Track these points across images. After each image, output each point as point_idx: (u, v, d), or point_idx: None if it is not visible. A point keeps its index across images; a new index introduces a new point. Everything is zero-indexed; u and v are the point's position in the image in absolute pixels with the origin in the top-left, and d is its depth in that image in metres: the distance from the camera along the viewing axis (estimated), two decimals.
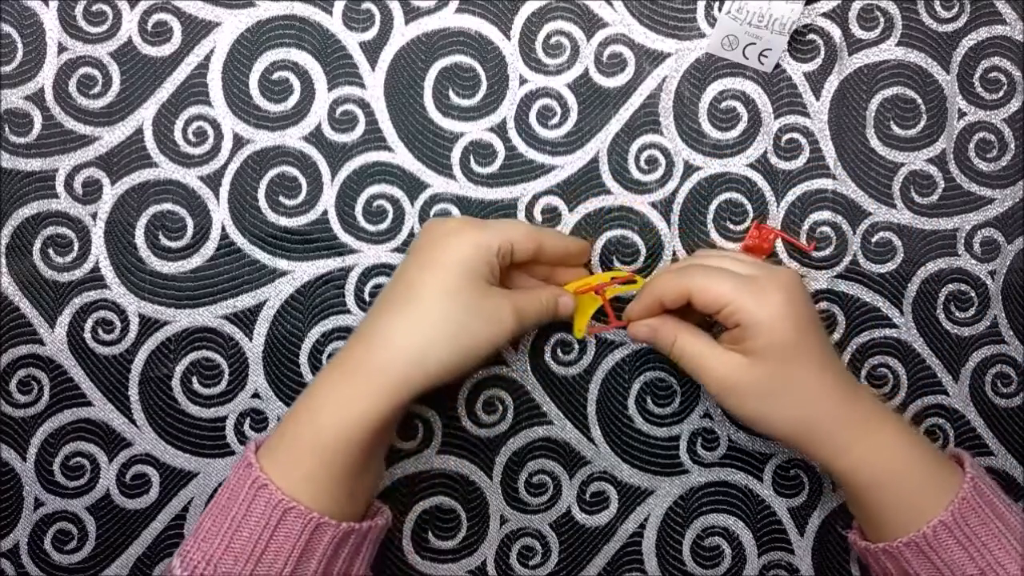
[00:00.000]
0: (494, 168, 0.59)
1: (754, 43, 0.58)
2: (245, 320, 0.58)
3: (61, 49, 0.58)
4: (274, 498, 0.48)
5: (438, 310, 0.50)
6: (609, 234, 0.59)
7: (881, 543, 0.51)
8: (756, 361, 0.50)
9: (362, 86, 0.58)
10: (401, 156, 0.59)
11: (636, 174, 0.59)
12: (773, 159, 0.59)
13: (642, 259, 0.59)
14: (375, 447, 0.51)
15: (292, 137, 0.58)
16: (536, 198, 0.59)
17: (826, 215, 0.59)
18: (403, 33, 0.59)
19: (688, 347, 0.53)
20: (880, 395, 0.59)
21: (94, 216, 0.58)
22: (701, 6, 0.59)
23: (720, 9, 0.58)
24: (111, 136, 0.58)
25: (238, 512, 0.48)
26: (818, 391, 0.51)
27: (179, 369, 0.58)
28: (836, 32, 0.59)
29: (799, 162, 0.59)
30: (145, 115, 0.58)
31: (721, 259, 0.54)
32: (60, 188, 0.58)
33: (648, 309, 0.54)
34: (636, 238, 0.59)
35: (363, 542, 0.51)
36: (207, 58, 0.58)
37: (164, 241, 0.58)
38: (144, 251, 0.58)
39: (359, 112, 0.58)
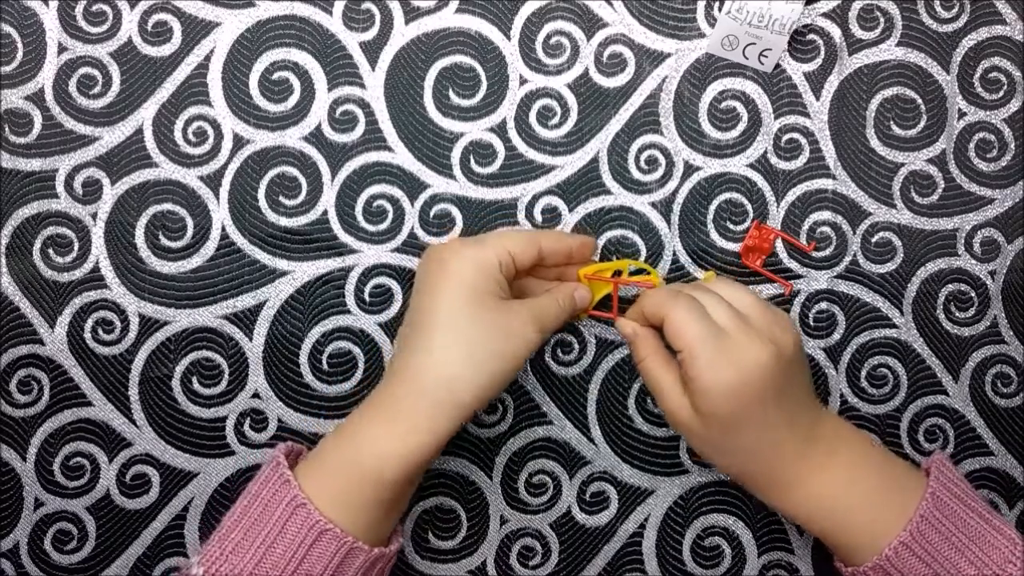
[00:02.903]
0: (494, 168, 0.59)
1: (754, 43, 0.58)
2: (245, 320, 0.58)
3: (61, 49, 0.58)
4: (311, 518, 0.48)
5: (457, 339, 0.50)
6: (609, 234, 0.59)
7: (850, 568, 0.52)
8: (699, 415, 0.50)
9: (362, 86, 0.58)
10: (401, 156, 0.59)
11: (636, 174, 0.59)
12: (773, 159, 0.59)
13: (642, 259, 0.59)
14: (414, 480, 0.51)
15: (292, 137, 0.58)
16: (536, 198, 0.59)
17: (826, 215, 0.59)
18: (403, 33, 0.59)
19: (652, 372, 0.52)
20: (880, 395, 0.59)
21: (94, 216, 0.58)
22: (701, 6, 0.59)
23: (720, 9, 0.58)
24: (111, 136, 0.58)
25: (273, 529, 0.48)
26: (756, 449, 0.51)
27: (179, 369, 0.58)
28: (836, 32, 0.59)
29: (799, 162, 0.59)
30: (145, 115, 0.58)
31: (717, 304, 0.51)
32: (60, 188, 0.58)
33: (639, 316, 0.54)
34: (636, 238, 0.59)
35: (387, 566, 0.52)
36: (207, 58, 0.58)
37: (164, 241, 0.58)
38: (144, 251, 0.58)
39: (359, 112, 0.58)
